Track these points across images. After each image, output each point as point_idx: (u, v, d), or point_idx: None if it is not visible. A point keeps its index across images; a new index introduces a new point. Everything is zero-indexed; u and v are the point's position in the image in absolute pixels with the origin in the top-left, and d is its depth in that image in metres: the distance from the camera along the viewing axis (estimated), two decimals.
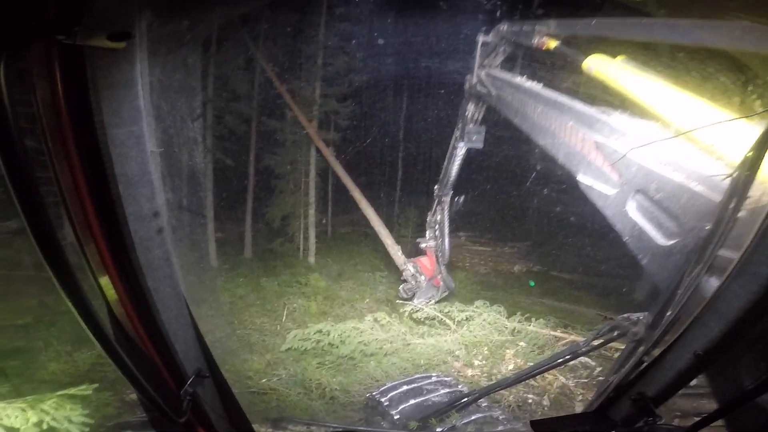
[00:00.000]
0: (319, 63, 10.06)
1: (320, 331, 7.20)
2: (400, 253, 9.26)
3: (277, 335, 7.59)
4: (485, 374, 6.27)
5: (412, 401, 5.02)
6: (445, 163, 8.39)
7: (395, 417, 4.74)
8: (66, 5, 1.32)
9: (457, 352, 6.69)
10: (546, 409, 5.60)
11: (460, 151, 8.01)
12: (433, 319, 7.72)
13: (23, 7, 1.19)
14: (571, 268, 10.62)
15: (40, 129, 1.39)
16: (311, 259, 10.62)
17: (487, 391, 4.84)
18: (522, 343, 7.19)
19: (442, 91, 10.51)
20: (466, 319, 7.58)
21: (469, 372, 6.33)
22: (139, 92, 1.63)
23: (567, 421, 2.15)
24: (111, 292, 1.63)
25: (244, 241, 10.76)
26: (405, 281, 8.87)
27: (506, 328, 7.42)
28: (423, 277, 8.76)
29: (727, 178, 2.08)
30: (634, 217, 3.16)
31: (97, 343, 1.36)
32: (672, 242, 2.75)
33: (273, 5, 9.18)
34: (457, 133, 8.02)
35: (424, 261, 9.00)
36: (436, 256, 8.89)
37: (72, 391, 3.38)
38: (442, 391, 5.24)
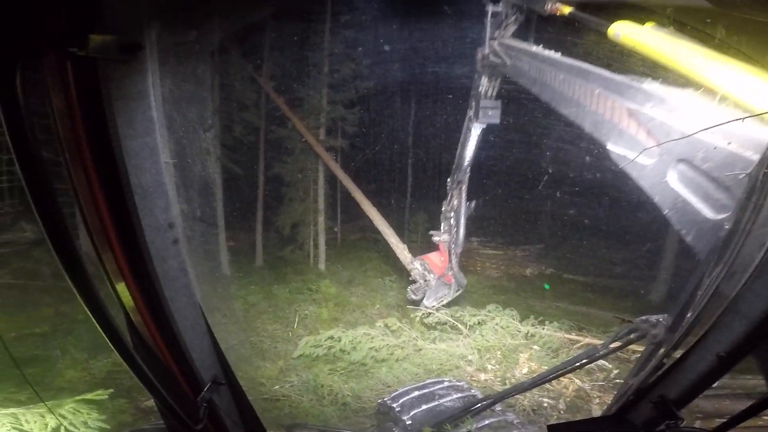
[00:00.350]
0: (325, 70, 10.16)
1: (331, 338, 7.22)
2: (406, 251, 8.95)
3: (289, 342, 7.63)
4: (499, 378, 6.22)
5: (424, 406, 4.99)
6: (458, 149, 7.88)
7: (407, 423, 4.71)
8: (78, 18, 1.35)
9: (469, 357, 6.65)
10: (562, 412, 5.52)
11: (475, 130, 7.42)
12: (445, 323, 7.68)
13: (37, 20, 1.22)
14: (585, 271, 10.50)
15: (57, 140, 1.41)
16: (321, 266, 10.66)
17: (502, 396, 4.77)
18: (536, 347, 7.12)
19: (450, 96, 10.49)
20: (479, 323, 7.53)
21: (483, 377, 6.28)
22: (151, 103, 1.65)
23: (586, 425, 2.18)
24: (128, 301, 1.66)
25: (255, 249, 10.84)
26: (413, 281, 8.49)
27: (519, 332, 7.36)
28: (432, 275, 8.32)
29: (745, 175, 2.03)
30: (677, 188, 2.91)
31: (115, 350, 1.39)
32: (722, 216, 2.52)
33: (278, 14, 9.30)
34: (470, 113, 7.48)
35: (433, 258, 8.54)
36: (449, 251, 8.34)
37: (89, 396, 3.44)
38: (455, 396, 5.19)
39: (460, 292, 8.54)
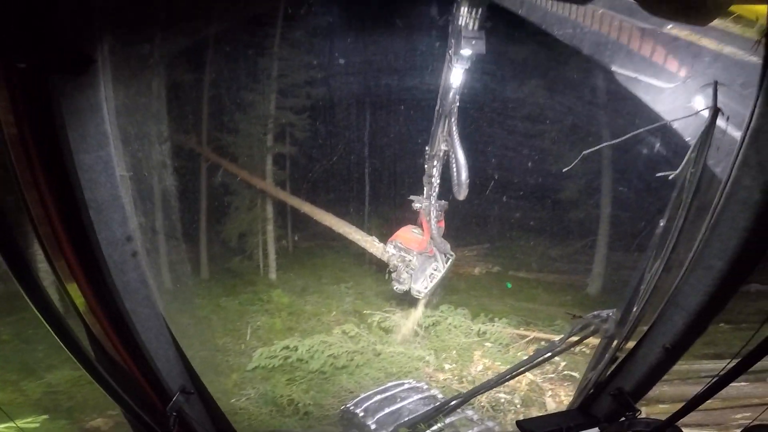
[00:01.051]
0: (274, 76, 9.98)
1: (287, 348, 7.07)
2: (376, 242, 8.33)
3: (243, 354, 7.37)
4: (456, 377, 6.39)
5: (387, 410, 5.03)
6: (438, 98, 6.68)
7: (372, 427, 4.73)
8: (25, 31, 1.30)
9: (427, 358, 6.78)
10: (518, 406, 5.78)
11: (458, 67, 6.20)
12: (402, 326, 7.78)
13: None
14: (529, 268, 11.08)
15: (6, 155, 1.34)
16: (273, 276, 10.40)
17: (472, 394, 4.77)
18: (488, 344, 7.40)
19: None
20: (433, 324, 7.70)
21: (441, 376, 6.43)
22: (105, 116, 1.62)
23: (552, 419, 2.23)
24: (88, 316, 1.63)
25: (200, 261, 10.37)
26: (394, 270, 7.56)
27: (472, 330, 7.61)
28: (413, 254, 7.42)
29: (673, 175, 2.17)
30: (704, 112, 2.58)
31: (79, 364, 1.35)
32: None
33: (233, 26, 8.99)
34: (449, 53, 6.27)
35: (406, 235, 7.63)
36: (428, 219, 7.37)
37: (20, 423, 3.12)
38: (416, 398, 5.29)
39: (450, 260, 7.68)
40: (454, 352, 7.01)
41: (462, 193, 6.55)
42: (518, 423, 2.13)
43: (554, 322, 8.35)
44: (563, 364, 6.61)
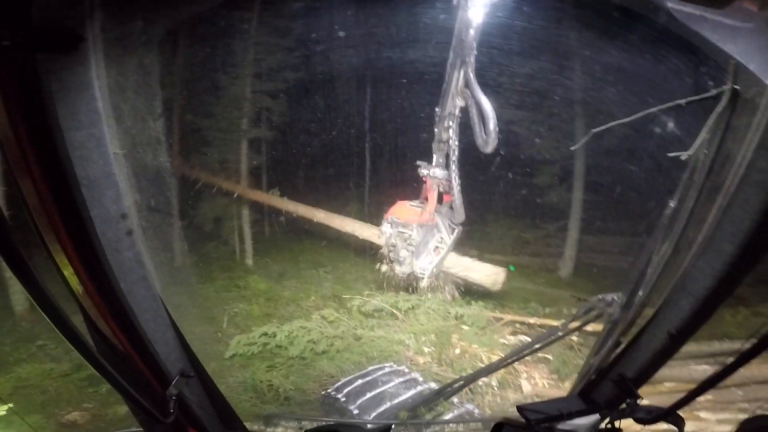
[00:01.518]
0: (271, 59, 9.69)
1: (266, 334, 7.02)
2: (372, 228, 8.04)
3: (219, 342, 7.26)
4: (435, 360, 6.52)
5: (369, 394, 5.08)
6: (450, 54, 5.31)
7: (354, 412, 4.77)
8: (11, 9, 1.22)
9: (407, 342, 6.87)
10: (495, 389, 5.95)
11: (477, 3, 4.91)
12: (381, 310, 7.83)
13: None
14: (503, 251, 11.29)
15: None
16: (249, 261, 10.24)
17: (472, 378, 4.91)
18: (465, 327, 7.55)
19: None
20: (412, 308, 7.78)
21: (421, 360, 6.55)
22: (96, 94, 1.54)
23: (552, 404, 2.18)
24: (84, 298, 1.59)
25: (173, 247, 10.07)
26: (392, 250, 6.40)
27: (450, 313, 7.74)
28: (412, 227, 6.34)
29: (687, 155, 2.08)
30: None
31: (75, 349, 1.28)
32: None
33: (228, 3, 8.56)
34: None
35: (402, 209, 6.56)
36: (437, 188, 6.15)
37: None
38: (397, 381, 5.36)
39: (457, 231, 6.34)
40: (433, 335, 7.13)
41: (491, 145, 5.08)
42: (519, 408, 2.12)
43: (528, 304, 8.62)
44: (537, 346, 6.81)
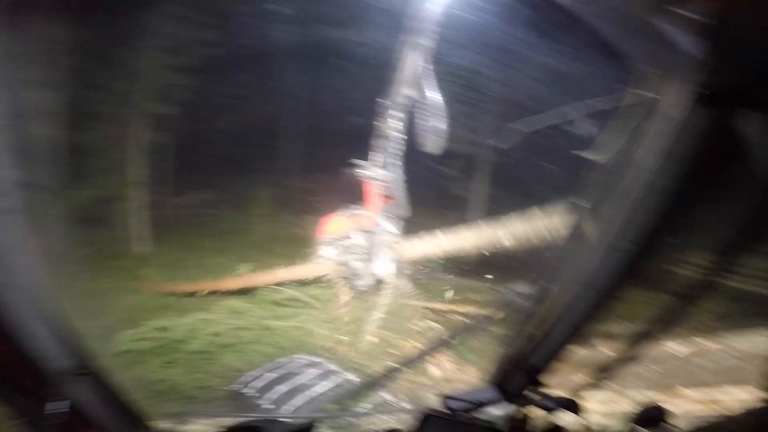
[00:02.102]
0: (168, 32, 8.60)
1: (161, 328, 6.33)
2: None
3: (105, 339, 6.35)
4: (352, 349, 6.39)
5: (281, 387, 4.79)
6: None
7: (267, 407, 4.46)
8: None
9: (322, 330, 6.64)
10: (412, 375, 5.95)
11: None
12: (297, 299, 7.48)
13: None
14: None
15: None
16: (143, 248, 9.17)
17: (399, 368, 4.72)
18: (379, 314, 7.53)
19: None
20: (329, 296, 7.56)
21: (336, 348, 6.37)
22: None
23: (472, 394, 2.29)
24: None
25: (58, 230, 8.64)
26: (343, 268, 5.93)
27: (366, 301, 7.66)
28: (353, 236, 5.90)
29: (591, 155, 2.12)
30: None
31: None
32: None
33: None
34: None
35: (334, 223, 6.10)
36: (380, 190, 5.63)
37: None
38: (311, 372, 5.14)
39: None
40: (350, 324, 6.99)
41: (438, 145, 5.00)
42: (444, 398, 2.19)
43: (438, 292, 8.86)
44: (445, 333, 7.04)
